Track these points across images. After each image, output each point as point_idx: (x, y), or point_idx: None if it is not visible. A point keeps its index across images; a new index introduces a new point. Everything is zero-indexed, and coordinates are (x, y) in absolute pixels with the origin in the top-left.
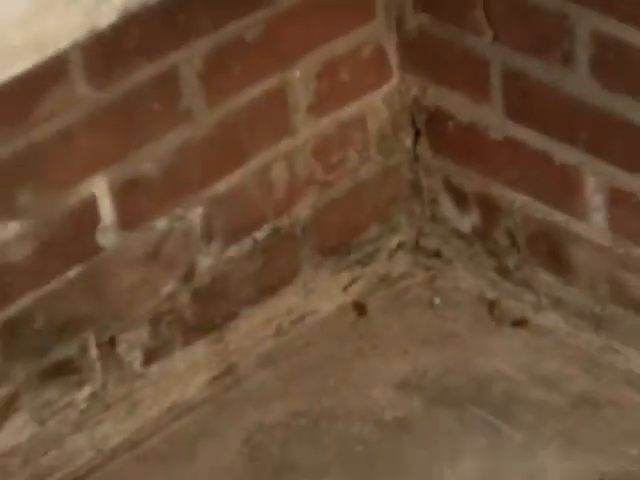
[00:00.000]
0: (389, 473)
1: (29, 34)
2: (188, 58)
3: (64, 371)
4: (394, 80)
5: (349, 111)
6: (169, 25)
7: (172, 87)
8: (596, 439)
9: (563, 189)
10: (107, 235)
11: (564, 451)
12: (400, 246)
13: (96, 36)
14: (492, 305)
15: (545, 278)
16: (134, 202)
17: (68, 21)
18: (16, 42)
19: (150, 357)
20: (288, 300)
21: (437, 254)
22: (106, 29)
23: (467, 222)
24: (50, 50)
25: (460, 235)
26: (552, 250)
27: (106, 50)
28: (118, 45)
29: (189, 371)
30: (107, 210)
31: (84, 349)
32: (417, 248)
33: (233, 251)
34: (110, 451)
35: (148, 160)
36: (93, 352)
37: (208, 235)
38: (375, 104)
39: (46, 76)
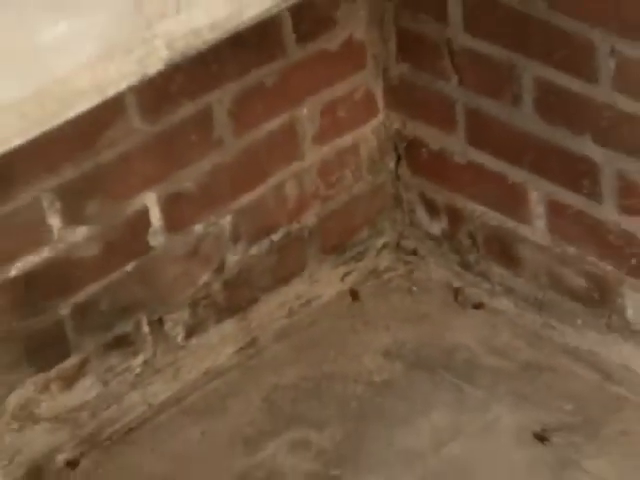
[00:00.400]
0: (377, 422)
1: (93, 78)
2: (220, 99)
3: (123, 343)
4: (380, 116)
5: (345, 140)
6: (205, 72)
7: (207, 121)
8: (539, 397)
9: (513, 201)
10: (156, 237)
11: (514, 406)
12: (385, 246)
13: (147, 80)
14: (457, 292)
15: (498, 271)
16: (177, 211)
17: (124, 69)
18: (83, 85)
19: (190, 332)
20: (297, 288)
21: (414, 252)
22: (155, 75)
23: (437, 227)
24: (110, 92)
25: (432, 237)
26: (504, 249)
27: (155, 92)
28: (165, 88)
29: (220, 343)
30: (156, 218)
31: (138, 326)
32: (398, 247)
33: (255, 250)
34: (159, 406)
35: (188, 179)
36: (145, 329)
37: (235, 237)
38: (365, 135)
39: (108, 112)
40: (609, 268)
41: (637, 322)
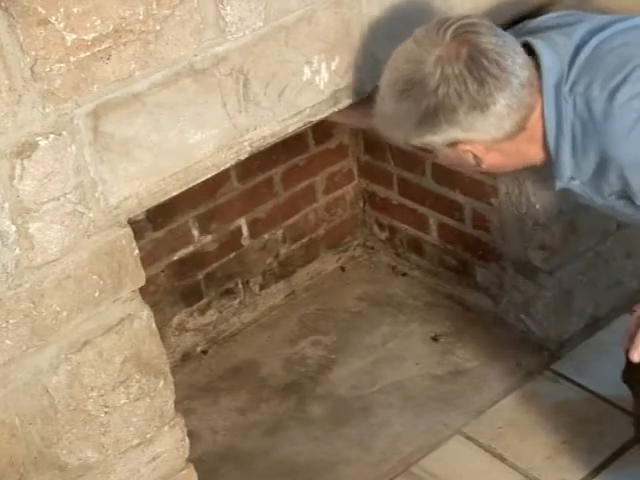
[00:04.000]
0: (354, 332)
1: (214, 161)
2: (276, 172)
3: (229, 292)
4: (355, 181)
5: (338, 193)
6: (269, 157)
7: (269, 183)
8: (433, 320)
9: (420, 223)
10: (245, 240)
11: (422, 323)
12: (358, 244)
13: (240, 162)
14: (393, 267)
15: (413, 257)
16: (255, 228)
17: (229, 157)
18: (208, 164)
19: (261, 287)
20: (314, 265)
21: (372, 248)
22: (244, 159)
23: (383, 235)
24: (222, 168)
25: (381, 240)
26: (416, 246)
27: (244, 168)
28: (249, 166)
29: (276, 293)
30: (245, 231)
31: (236, 284)
32: (365, 245)
33: (294, 246)
34: (246, 323)
35: (261, 212)
36: (240, 285)
37: (284, 240)
38: (348, 190)
39: (221, 178)
40: (467, 254)
41: (482, 281)
